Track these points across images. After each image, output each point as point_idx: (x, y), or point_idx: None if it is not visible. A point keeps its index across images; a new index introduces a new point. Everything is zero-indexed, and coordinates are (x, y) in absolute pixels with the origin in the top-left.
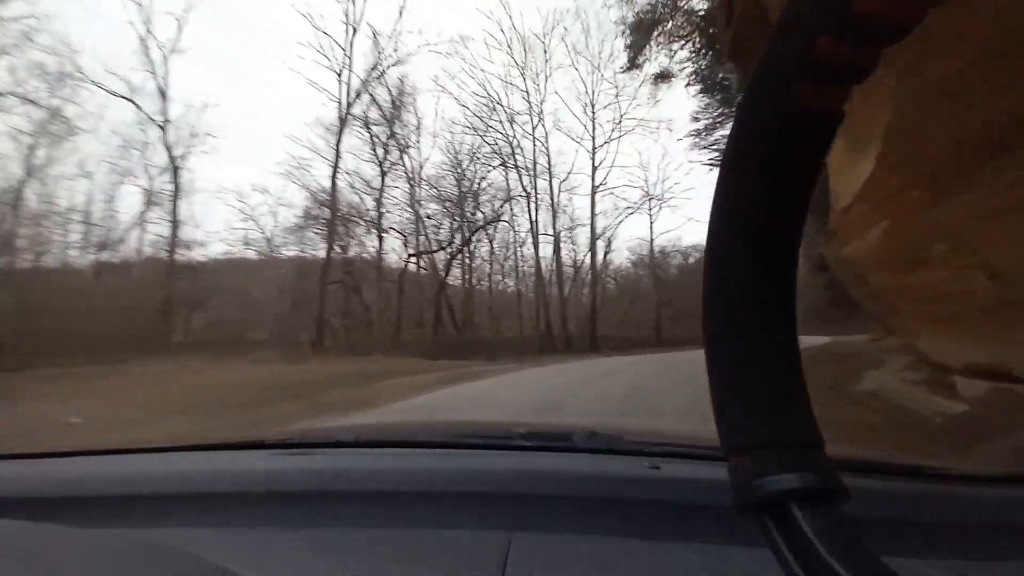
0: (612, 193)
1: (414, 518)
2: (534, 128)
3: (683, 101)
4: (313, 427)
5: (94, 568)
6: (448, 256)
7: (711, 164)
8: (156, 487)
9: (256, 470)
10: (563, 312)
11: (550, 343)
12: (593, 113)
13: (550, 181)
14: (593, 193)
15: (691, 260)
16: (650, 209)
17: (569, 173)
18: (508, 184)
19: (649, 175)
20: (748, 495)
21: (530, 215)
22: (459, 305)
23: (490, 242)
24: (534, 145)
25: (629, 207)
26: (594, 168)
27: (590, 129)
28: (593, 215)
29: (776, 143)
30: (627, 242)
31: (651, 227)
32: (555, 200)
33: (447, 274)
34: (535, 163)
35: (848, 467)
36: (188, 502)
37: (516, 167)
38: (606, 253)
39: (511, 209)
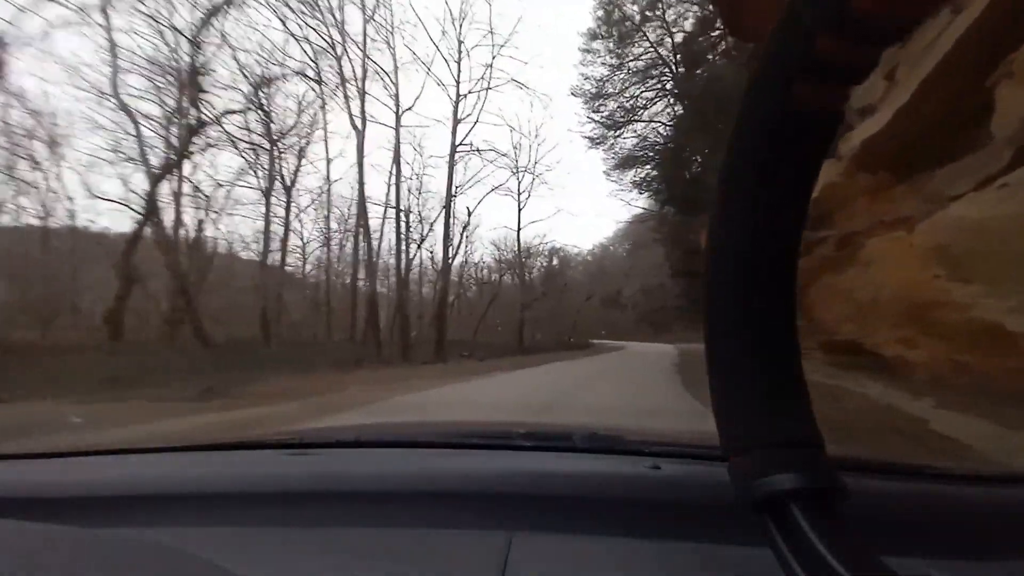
0: (477, 153)
1: (414, 518)
2: (366, 22)
3: (568, 73)
4: (313, 428)
5: (94, 568)
6: (175, 181)
7: (594, 139)
8: (156, 487)
9: (256, 470)
10: (401, 309)
11: (376, 351)
12: (460, 47)
13: (397, 122)
14: (452, 153)
15: (555, 262)
16: (519, 193)
17: (414, 102)
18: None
19: (520, 150)
20: (748, 495)
21: (359, 164)
22: (242, 293)
23: (285, 188)
24: (365, 55)
25: (489, 175)
26: (456, 122)
27: (455, 71)
28: (451, 184)
29: (776, 143)
30: (491, 231)
31: (519, 213)
32: (398, 145)
33: (178, 225)
34: (364, 66)
35: (848, 467)
36: (188, 502)
37: (338, 57)
38: (464, 232)
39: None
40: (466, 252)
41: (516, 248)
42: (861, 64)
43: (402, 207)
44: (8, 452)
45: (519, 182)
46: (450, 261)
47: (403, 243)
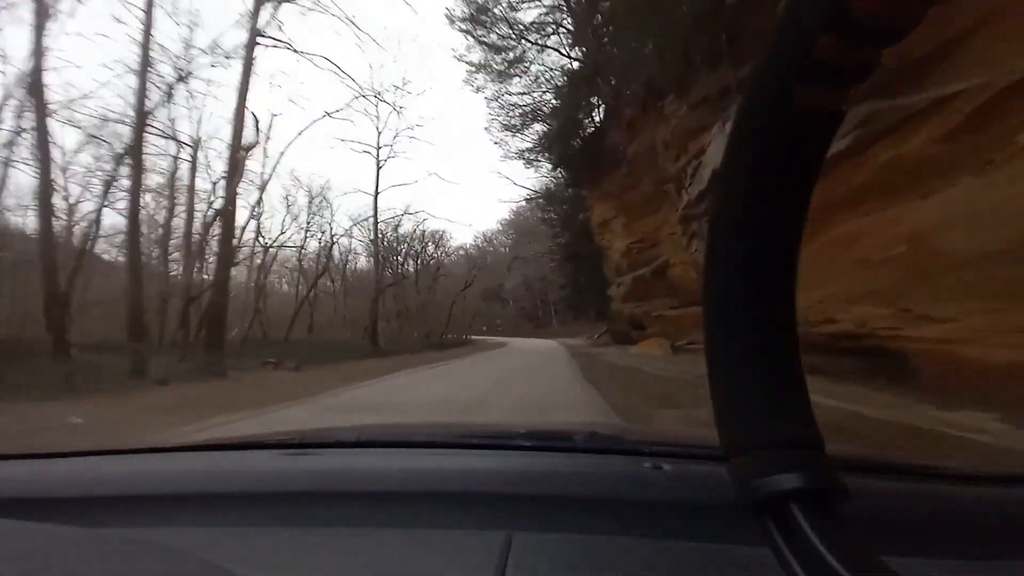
0: (288, 48)
1: (414, 518)
2: None
3: None
4: (314, 428)
5: (94, 568)
6: None
7: (475, 66)
8: (156, 487)
9: (256, 470)
10: (134, 285)
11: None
12: None
13: None
14: (252, 44)
15: (431, 248)
16: (378, 148)
17: None
18: None
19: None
20: (748, 495)
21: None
22: None
23: None
24: None
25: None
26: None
27: None
28: (245, 86)
29: (776, 143)
30: (346, 195)
31: (377, 169)
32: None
33: None
34: None
35: (848, 467)
36: (188, 502)
37: None
38: (248, 152)
39: None
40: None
41: (374, 218)
42: (861, 64)
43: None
44: (8, 452)
45: (379, 132)
46: (230, 247)
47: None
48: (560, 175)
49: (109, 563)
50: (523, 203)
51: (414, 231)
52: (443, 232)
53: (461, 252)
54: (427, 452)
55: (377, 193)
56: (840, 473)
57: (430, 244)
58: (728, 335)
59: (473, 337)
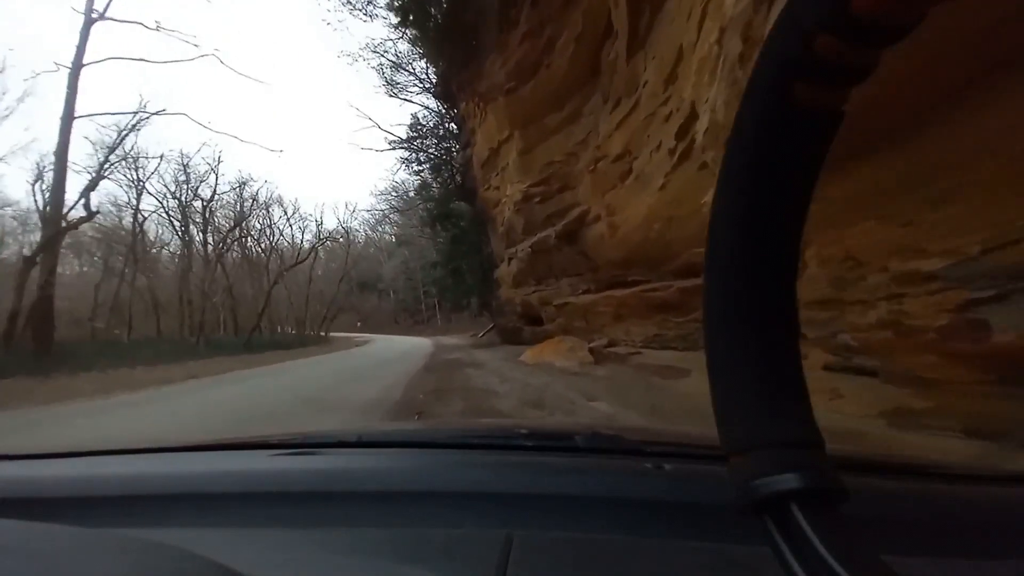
0: None
1: (415, 518)
2: None
3: None
4: (315, 428)
5: (94, 568)
6: None
7: None
8: (157, 487)
9: (258, 470)
10: None
11: None
12: None
13: None
14: None
15: (269, 215)
16: None
17: None
18: None
19: None
20: (748, 495)
21: None
22: None
23: None
24: None
25: None
26: None
27: None
28: None
29: (776, 143)
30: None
31: (85, 23)
32: None
33: None
34: None
35: (848, 467)
36: (189, 502)
37: None
38: None
39: None
40: None
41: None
42: (861, 64)
43: None
44: (8, 452)
45: None
46: None
47: None
48: (424, 73)
49: (109, 563)
50: (389, 150)
51: (233, 189)
52: (270, 186)
53: (310, 221)
54: (427, 452)
55: (79, 66)
56: (840, 473)
57: (247, 198)
58: (728, 335)
59: (335, 334)
